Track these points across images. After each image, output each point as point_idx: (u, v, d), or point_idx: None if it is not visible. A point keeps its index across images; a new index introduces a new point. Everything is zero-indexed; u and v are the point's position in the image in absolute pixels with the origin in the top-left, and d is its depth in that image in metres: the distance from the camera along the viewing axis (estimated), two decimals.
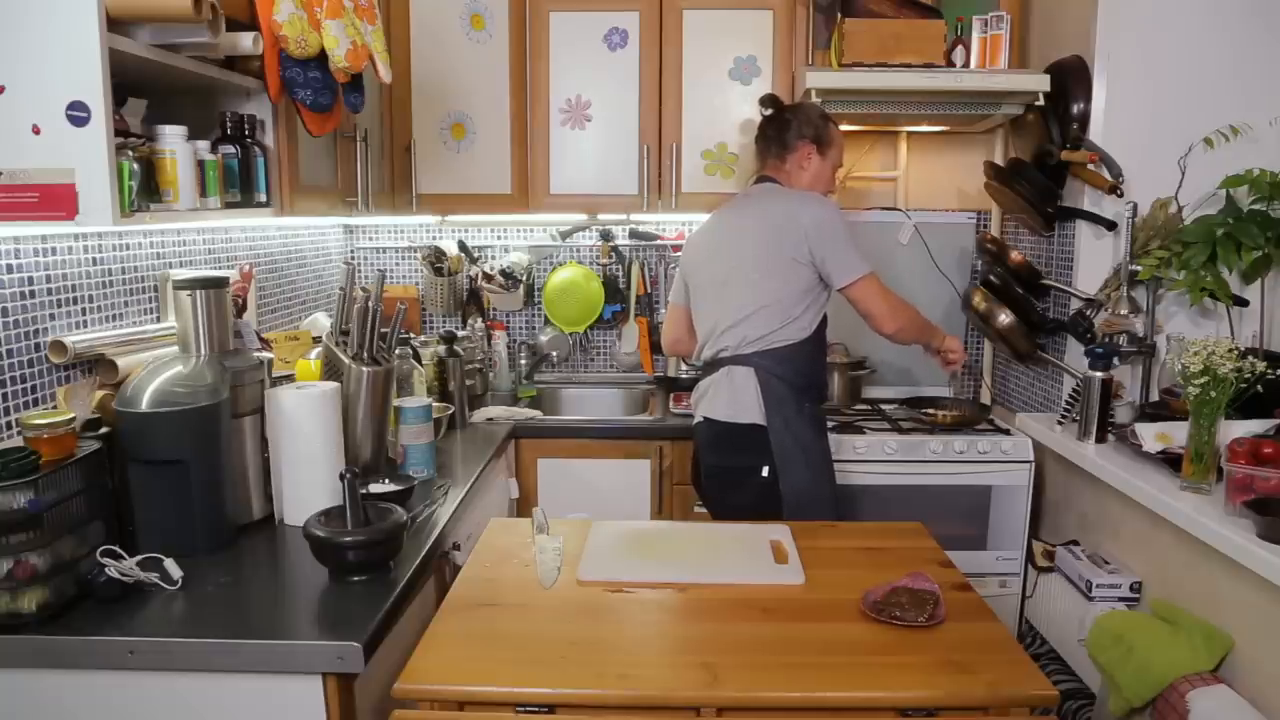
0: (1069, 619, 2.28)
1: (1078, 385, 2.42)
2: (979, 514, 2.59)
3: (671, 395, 2.89)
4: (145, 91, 1.65)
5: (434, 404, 2.17)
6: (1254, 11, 2.36)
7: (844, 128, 2.96)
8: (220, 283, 1.66)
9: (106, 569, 1.36)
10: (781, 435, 2.13)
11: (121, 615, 1.33)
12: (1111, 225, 2.46)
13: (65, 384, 1.69)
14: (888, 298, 2.16)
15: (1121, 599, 2.14)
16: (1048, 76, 2.50)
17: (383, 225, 3.21)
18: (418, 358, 2.48)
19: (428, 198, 2.81)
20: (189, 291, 1.61)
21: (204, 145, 1.71)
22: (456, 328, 2.99)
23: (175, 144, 1.63)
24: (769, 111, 2.37)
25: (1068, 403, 2.50)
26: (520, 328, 3.25)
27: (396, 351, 2.16)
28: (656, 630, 1.39)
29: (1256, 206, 2.30)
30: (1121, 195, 2.42)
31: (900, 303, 2.20)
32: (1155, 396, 2.47)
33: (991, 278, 2.78)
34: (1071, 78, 2.47)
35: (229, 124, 1.78)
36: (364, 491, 1.66)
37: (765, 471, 2.13)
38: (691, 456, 2.35)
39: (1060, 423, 2.50)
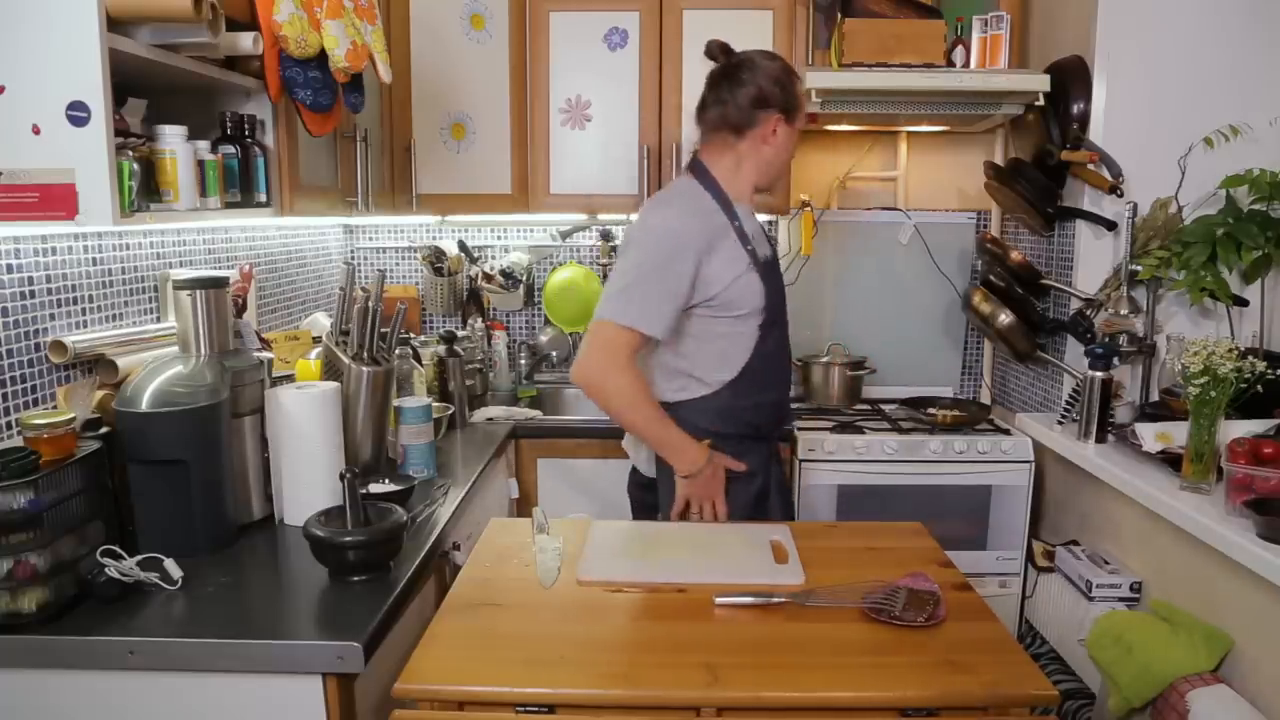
0: (1069, 619, 2.28)
1: (1078, 385, 2.42)
2: (979, 514, 2.59)
3: None
4: (145, 91, 1.65)
5: (434, 404, 2.17)
6: (1253, 12, 2.36)
7: (844, 128, 3.00)
8: (220, 283, 1.66)
9: (106, 569, 1.36)
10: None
11: (121, 615, 1.32)
12: (1111, 225, 2.46)
13: (65, 384, 1.69)
14: (604, 352, 1.79)
15: (1121, 599, 2.14)
16: (1048, 76, 2.50)
17: (383, 225, 3.20)
18: (418, 358, 2.48)
19: (428, 198, 2.81)
20: (189, 291, 1.61)
21: (204, 145, 1.71)
22: (456, 328, 2.99)
23: (175, 144, 1.63)
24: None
25: (1068, 403, 2.50)
26: (520, 328, 3.25)
27: (396, 351, 2.16)
28: (656, 630, 1.39)
29: (1256, 206, 2.30)
30: (1121, 195, 2.42)
31: (612, 368, 1.78)
32: (1155, 396, 2.47)
33: (992, 278, 2.78)
34: (1071, 78, 2.47)
35: (229, 124, 1.78)
36: (364, 491, 1.66)
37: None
38: None
39: (1060, 423, 2.51)
